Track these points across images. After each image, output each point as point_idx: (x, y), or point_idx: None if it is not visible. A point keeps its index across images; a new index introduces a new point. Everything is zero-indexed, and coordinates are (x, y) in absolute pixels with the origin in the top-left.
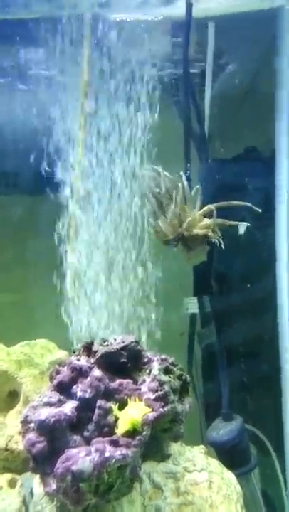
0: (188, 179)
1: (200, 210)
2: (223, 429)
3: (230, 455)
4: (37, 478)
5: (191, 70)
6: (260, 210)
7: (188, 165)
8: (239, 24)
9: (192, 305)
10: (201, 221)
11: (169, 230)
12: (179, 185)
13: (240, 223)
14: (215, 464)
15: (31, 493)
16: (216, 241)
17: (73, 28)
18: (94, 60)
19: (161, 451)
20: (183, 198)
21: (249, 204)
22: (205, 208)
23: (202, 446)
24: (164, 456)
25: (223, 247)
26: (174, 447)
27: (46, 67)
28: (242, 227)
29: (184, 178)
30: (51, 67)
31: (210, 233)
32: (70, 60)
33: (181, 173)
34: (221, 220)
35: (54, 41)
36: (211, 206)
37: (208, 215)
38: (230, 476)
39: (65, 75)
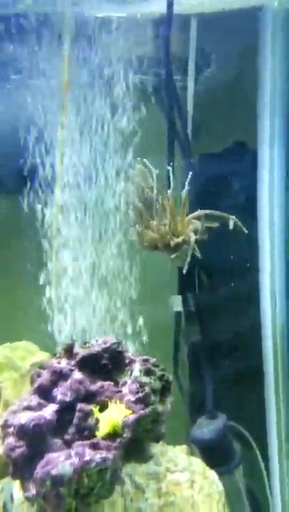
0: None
1: (188, 213)
2: (207, 427)
3: (214, 453)
4: (17, 482)
5: (174, 68)
6: (246, 231)
7: (172, 163)
8: (223, 21)
9: (177, 303)
10: (188, 226)
11: (157, 238)
12: (168, 192)
13: (229, 217)
14: (197, 463)
15: (12, 497)
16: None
17: (52, 25)
18: (75, 58)
19: (143, 452)
20: (173, 207)
21: (235, 219)
22: (195, 214)
23: (184, 445)
24: (146, 457)
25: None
26: (157, 447)
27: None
28: (231, 222)
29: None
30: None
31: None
32: (49, 59)
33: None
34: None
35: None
36: (201, 212)
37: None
38: (212, 474)
39: (43, 74)
